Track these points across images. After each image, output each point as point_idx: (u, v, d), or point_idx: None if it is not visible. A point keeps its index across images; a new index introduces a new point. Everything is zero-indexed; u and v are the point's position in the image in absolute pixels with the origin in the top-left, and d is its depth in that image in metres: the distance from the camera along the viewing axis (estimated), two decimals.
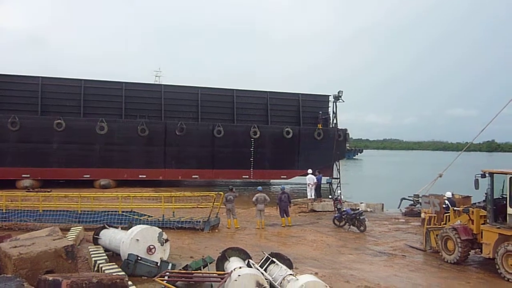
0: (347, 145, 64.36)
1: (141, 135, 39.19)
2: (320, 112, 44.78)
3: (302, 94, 45.86)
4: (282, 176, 42.45)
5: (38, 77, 38.94)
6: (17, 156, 36.76)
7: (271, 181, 44.50)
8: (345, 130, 46.93)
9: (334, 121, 43.84)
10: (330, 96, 46.50)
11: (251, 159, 41.36)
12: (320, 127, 44.02)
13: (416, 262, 14.78)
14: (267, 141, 42.82)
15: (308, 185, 28.12)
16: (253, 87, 44.89)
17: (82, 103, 39.31)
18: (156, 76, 49.44)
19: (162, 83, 42.86)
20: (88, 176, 38.21)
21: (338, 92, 40.51)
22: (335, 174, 36.68)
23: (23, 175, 36.56)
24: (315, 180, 28.13)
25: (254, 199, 20.49)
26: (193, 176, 40.92)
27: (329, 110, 46.25)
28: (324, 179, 30.08)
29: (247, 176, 42.61)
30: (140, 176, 39.62)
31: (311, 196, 27.82)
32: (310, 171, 28.72)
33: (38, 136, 36.93)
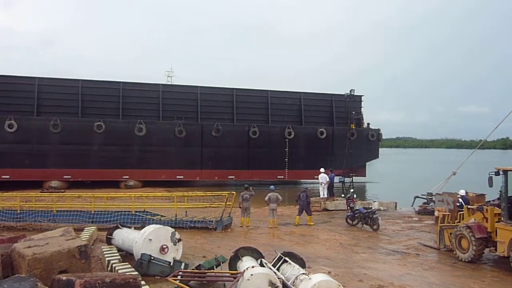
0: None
1: (179, 137, 39.95)
2: (353, 112, 45.02)
3: (335, 95, 46.31)
4: (315, 176, 42.47)
5: (78, 80, 40.01)
6: (59, 158, 37.56)
7: (301, 180, 44.52)
8: (378, 130, 47.42)
9: (364, 120, 44.39)
10: (362, 96, 47.17)
11: (285, 160, 41.72)
12: (353, 127, 44.27)
13: (430, 260, 14.66)
14: (301, 142, 43.30)
15: (321, 184, 27.99)
16: (261, 86, 45.29)
17: (120, 105, 40.12)
18: (168, 76, 49.67)
19: (199, 85, 43.23)
20: (127, 177, 39.08)
21: (350, 91, 40.47)
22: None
23: (65, 176, 37.57)
24: (328, 179, 27.99)
25: (266, 198, 20.46)
26: (229, 177, 41.55)
27: (362, 110, 46.78)
28: (336, 178, 29.94)
29: (282, 177, 43.04)
30: (177, 177, 40.43)
31: (323, 195, 27.69)
32: (322, 170, 28.58)
33: (78, 138, 37.88)
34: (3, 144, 36.65)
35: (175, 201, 19.98)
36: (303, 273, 9.25)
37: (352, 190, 23.62)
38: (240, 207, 20.51)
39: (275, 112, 44.51)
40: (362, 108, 48.08)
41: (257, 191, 24.24)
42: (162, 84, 42.53)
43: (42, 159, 37.46)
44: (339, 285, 8.52)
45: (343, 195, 25.83)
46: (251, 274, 8.75)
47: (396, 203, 27.24)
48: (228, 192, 19.42)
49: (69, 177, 37.78)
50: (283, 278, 9.48)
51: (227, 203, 19.05)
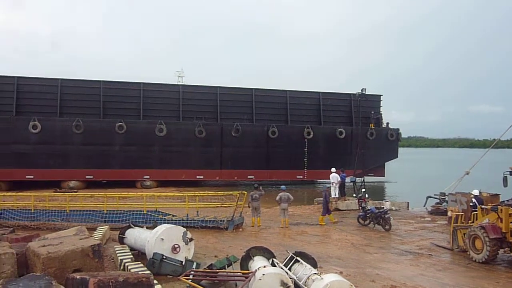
0: None
1: (199, 137, 40.41)
2: (372, 112, 45.13)
3: (354, 94, 46.27)
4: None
5: (100, 81, 40.60)
6: (81, 158, 38.19)
7: (318, 180, 44.59)
8: (397, 129, 47.36)
9: (383, 120, 44.33)
10: (381, 96, 47.17)
11: (304, 159, 41.86)
12: (372, 126, 44.29)
13: (443, 261, 14.55)
14: (320, 142, 43.50)
15: (332, 184, 27.92)
16: (271, 86, 45.58)
17: (141, 105, 40.66)
18: (178, 76, 49.96)
19: (218, 85, 43.69)
20: (148, 177, 39.51)
21: (362, 90, 40.39)
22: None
23: (87, 176, 38.22)
24: (339, 179, 27.91)
25: (277, 198, 20.46)
26: (249, 177, 41.72)
27: (381, 110, 46.81)
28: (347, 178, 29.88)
29: (301, 176, 43.23)
30: (197, 176, 40.94)
31: (335, 194, 27.58)
32: (333, 169, 28.48)
33: (100, 138, 38.47)
34: (28, 144, 37.32)
35: (186, 200, 20.08)
36: (315, 273, 9.23)
37: (363, 190, 23.53)
38: (249, 207, 20.54)
39: (294, 112, 44.76)
40: (381, 107, 48.15)
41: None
42: (182, 85, 43.02)
43: (65, 159, 38.08)
44: (351, 285, 8.49)
45: (354, 195, 25.75)
46: (263, 274, 8.76)
47: (408, 203, 27.10)
48: (239, 191, 19.45)
49: (91, 177, 38.40)
50: (295, 278, 9.48)
51: (238, 202, 19.08)
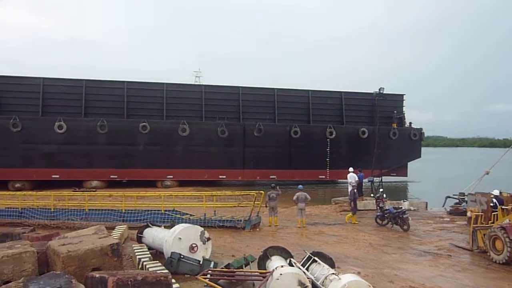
0: None
1: (221, 137, 40.68)
2: (395, 111, 45.01)
3: (380, 94, 46.14)
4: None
5: (124, 81, 41.17)
6: (105, 158, 38.70)
7: (338, 180, 44.57)
8: (420, 129, 47.16)
9: (405, 119, 44.06)
10: (404, 95, 47.02)
11: (327, 159, 41.86)
12: (395, 126, 44.12)
13: (463, 262, 14.39)
14: (343, 141, 43.48)
15: (349, 184, 27.78)
16: (295, 86, 45.54)
17: (164, 106, 41.10)
18: (196, 76, 50.21)
19: (240, 85, 43.92)
20: (171, 176, 39.89)
21: (380, 89, 40.15)
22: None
23: (111, 176, 38.72)
24: (357, 179, 27.75)
25: (295, 197, 20.43)
26: (271, 177, 41.73)
27: (404, 110, 46.67)
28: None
29: (324, 176, 43.24)
30: (220, 176, 41.20)
31: None
32: (351, 169, 28.34)
33: (124, 138, 38.94)
34: (53, 144, 37.86)
35: (204, 200, 20.15)
36: (333, 273, 9.19)
37: (381, 190, 23.37)
38: (266, 207, 20.53)
39: (316, 112, 44.78)
40: (404, 107, 48.04)
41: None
42: (205, 85, 43.22)
43: (90, 159, 38.59)
44: (369, 286, 8.44)
45: (372, 195, 25.60)
46: (280, 274, 8.75)
47: (426, 203, 26.87)
48: (257, 191, 19.45)
49: (116, 176, 38.91)
50: (313, 278, 9.45)
51: (255, 202, 19.09)
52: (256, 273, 10.29)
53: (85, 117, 39.32)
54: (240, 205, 20.93)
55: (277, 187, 21.06)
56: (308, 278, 9.11)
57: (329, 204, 27.93)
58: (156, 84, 42.08)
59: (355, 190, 22.23)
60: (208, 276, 9.99)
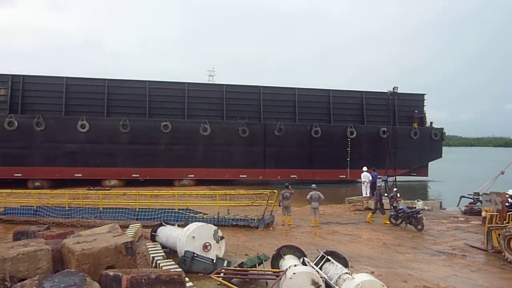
0: None
1: (242, 136, 40.94)
2: (416, 111, 44.89)
3: (398, 93, 45.99)
4: (379, 176, 42.60)
5: (146, 81, 41.54)
6: (128, 157, 39.05)
7: (358, 180, 44.64)
8: (441, 129, 47.04)
9: (426, 119, 44.15)
10: (425, 95, 46.93)
11: (347, 159, 41.85)
12: (416, 126, 44.02)
13: (477, 262, 14.24)
14: (363, 141, 43.47)
15: (363, 183, 27.69)
16: (316, 85, 45.42)
17: (186, 105, 41.38)
18: (209, 75, 50.36)
19: (261, 85, 44.03)
20: (193, 176, 40.14)
21: (393, 88, 39.88)
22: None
23: (133, 175, 39.06)
24: (370, 178, 27.64)
25: (308, 197, 20.38)
26: (291, 176, 41.79)
27: (424, 109, 46.55)
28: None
29: (344, 176, 43.14)
30: (241, 176, 41.37)
31: (366, 194, 27.35)
32: (365, 168, 28.27)
33: (146, 137, 39.30)
34: (76, 143, 38.28)
35: (217, 199, 20.18)
36: (346, 273, 9.17)
37: (395, 189, 23.22)
38: (280, 206, 20.50)
39: (337, 111, 44.78)
40: (424, 106, 47.95)
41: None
42: (226, 84, 43.33)
43: (112, 158, 38.92)
44: (383, 285, 8.40)
45: (386, 194, 25.45)
46: (294, 273, 8.74)
47: (441, 202, 26.68)
48: (270, 190, 19.43)
49: (137, 175, 39.16)
50: (326, 277, 9.43)
51: (268, 201, 19.07)
52: (270, 272, 10.29)
53: (108, 117, 39.72)
54: (253, 204, 20.93)
55: (290, 186, 21.03)
56: (321, 277, 9.09)
57: (342, 203, 27.80)
58: (178, 84, 42.35)
59: (380, 191, 22.04)
60: (222, 275, 10.02)
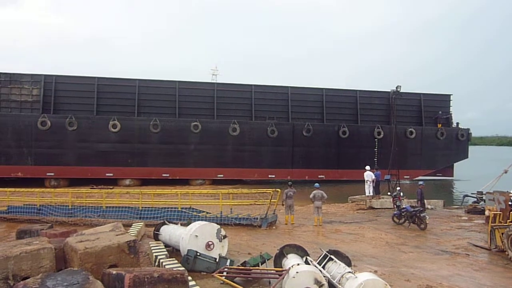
0: None
1: (270, 136, 41.02)
2: (440, 112, 45.12)
3: (424, 94, 46.75)
4: (405, 176, 42.97)
5: (175, 81, 41.71)
6: (158, 157, 39.32)
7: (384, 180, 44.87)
8: (468, 129, 47.13)
9: (452, 120, 45.28)
10: (451, 96, 47.05)
11: (375, 159, 41.88)
12: (440, 126, 44.22)
13: (481, 261, 14.20)
14: (390, 142, 43.24)
15: (366, 182, 27.71)
16: (309, 84, 45.52)
17: (215, 105, 41.51)
18: (212, 74, 50.44)
19: (289, 85, 44.21)
20: (222, 175, 40.33)
21: (396, 87, 39.80)
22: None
23: (163, 175, 39.23)
24: (373, 177, 27.65)
25: (311, 196, 20.36)
26: (319, 176, 41.72)
27: (450, 110, 46.53)
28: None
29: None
30: (269, 176, 41.46)
31: (369, 193, 27.38)
32: (368, 167, 28.30)
33: (176, 137, 39.52)
34: (108, 143, 38.53)
35: (220, 198, 20.18)
36: (349, 272, 9.15)
37: (398, 188, 23.19)
38: (283, 205, 20.51)
39: (364, 112, 44.84)
40: (451, 107, 47.84)
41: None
42: (254, 85, 43.44)
43: (143, 158, 39.18)
44: (386, 284, 8.38)
45: (389, 193, 25.42)
46: (297, 272, 8.73)
47: (444, 201, 26.61)
48: (273, 189, 19.42)
49: (168, 175, 39.31)
50: (329, 276, 9.41)
51: (271, 200, 19.06)
52: (272, 271, 10.28)
53: (138, 116, 39.96)
54: (256, 203, 20.93)
55: (293, 185, 21.02)
56: (324, 276, 9.08)
57: (345, 202, 27.78)
58: (207, 84, 42.74)
59: (422, 189, 21.88)
60: (225, 273, 10.02)
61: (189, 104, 41.12)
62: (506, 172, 24.23)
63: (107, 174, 38.16)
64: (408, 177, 42.65)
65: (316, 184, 21.23)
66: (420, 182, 22.79)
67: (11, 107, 38.88)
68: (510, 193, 17.64)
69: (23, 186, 27.06)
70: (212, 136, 39.95)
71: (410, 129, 43.93)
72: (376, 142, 40.79)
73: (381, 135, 42.44)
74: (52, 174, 37.61)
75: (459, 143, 46.07)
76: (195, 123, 39.45)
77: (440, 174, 45.97)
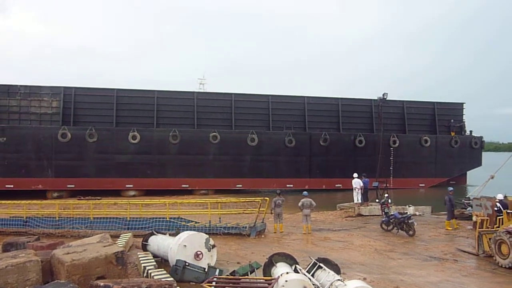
0: None
1: (288, 146, 41.23)
2: (452, 120, 45.44)
3: (437, 103, 47.32)
4: (420, 184, 43.58)
5: (193, 92, 42.34)
6: (177, 168, 39.28)
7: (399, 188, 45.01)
8: (481, 137, 47.73)
9: (463, 127, 46.21)
10: (464, 104, 47.56)
11: (390, 168, 42.01)
12: (453, 134, 44.60)
13: (469, 266, 14.31)
14: (405, 150, 43.73)
15: (355, 189, 27.81)
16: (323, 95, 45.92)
17: (233, 116, 41.83)
18: (200, 84, 50.51)
19: (305, 95, 44.53)
20: (241, 185, 40.45)
21: (383, 95, 40.08)
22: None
23: (183, 185, 39.11)
24: (362, 184, 27.77)
25: (300, 204, 20.38)
26: (336, 185, 41.83)
27: (464, 118, 47.19)
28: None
29: (387, 185, 43.33)
30: (287, 185, 41.18)
31: (357, 200, 27.47)
32: (355, 175, 28.42)
33: (195, 148, 39.55)
34: (128, 154, 38.52)
35: (209, 207, 20.10)
36: (338, 279, 9.15)
37: (386, 195, 23.29)
38: (272, 213, 20.50)
39: (379, 121, 44.97)
40: (464, 115, 48.41)
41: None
42: (271, 95, 43.71)
43: (162, 169, 39.16)
44: None
45: (377, 200, 25.52)
46: (286, 281, 8.72)
47: (432, 207, 26.75)
48: (261, 198, 19.40)
49: (187, 186, 39.25)
50: (318, 285, 9.41)
51: (260, 209, 19.04)
52: (262, 280, 10.24)
53: (157, 128, 39.96)
54: (245, 212, 20.88)
55: (281, 194, 21.02)
56: (313, 284, 9.07)
57: (334, 210, 27.84)
58: (225, 95, 42.81)
59: (450, 195, 21.65)
60: (214, 283, 9.95)
61: (207, 115, 41.41)
62: (492, 177, 24.45)
63: (126, 185, 38.18)
64: (423, 185, 43.39)
65: (305, 192, 21.25)
66: (450, 188, 22.64)
67: (31, 120, 38.97)
68: (496, 198, 17.82)
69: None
70: (230, 146, 40.14)
71: (425, 137, 44.47)
72: (392, 151, 41.13)
73: (397, 144, 42.83)
74: (73, 186, 37.44)
75: (472, 151, 46.67)
76: (214, 133, 39.64)
77: (454, 182, 46.13)
